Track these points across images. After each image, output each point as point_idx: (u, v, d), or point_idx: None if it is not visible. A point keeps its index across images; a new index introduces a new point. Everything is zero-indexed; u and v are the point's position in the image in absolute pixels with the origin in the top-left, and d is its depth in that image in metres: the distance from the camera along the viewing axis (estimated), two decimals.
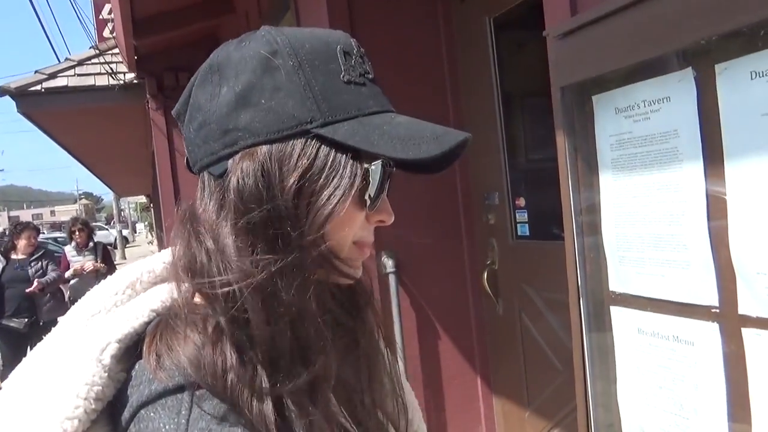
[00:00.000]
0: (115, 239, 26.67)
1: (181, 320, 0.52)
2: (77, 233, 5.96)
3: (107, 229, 33.06)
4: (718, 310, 0.98)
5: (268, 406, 0.49)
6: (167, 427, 0.47)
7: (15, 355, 4.93)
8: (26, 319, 5.10)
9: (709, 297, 0.99)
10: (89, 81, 5.34)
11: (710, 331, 1.00)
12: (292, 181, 0.52)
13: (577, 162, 1.20)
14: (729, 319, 0.96)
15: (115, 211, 28.71)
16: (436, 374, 2.57)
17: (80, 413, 0.49)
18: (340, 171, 0.53)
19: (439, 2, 2.57)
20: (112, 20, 5.25)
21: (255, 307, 0.50)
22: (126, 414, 0.49)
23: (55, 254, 6.37)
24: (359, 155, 0.53)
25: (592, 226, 1.21)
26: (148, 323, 0.54)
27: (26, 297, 5.11)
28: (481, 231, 2.58)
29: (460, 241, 2.63)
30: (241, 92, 0.53)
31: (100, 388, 0.50)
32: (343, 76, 0.54)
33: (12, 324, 5.02)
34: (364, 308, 0.66)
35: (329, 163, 0.53)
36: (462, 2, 2.52)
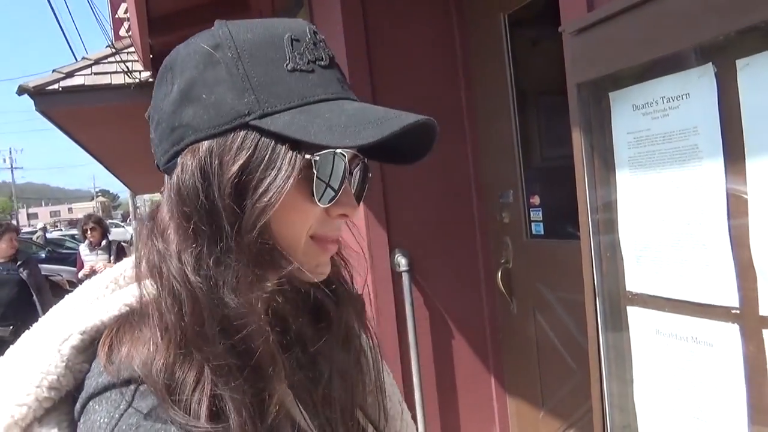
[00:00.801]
0: (131, 236, 26.95)
1: (138, 317, 0.52)
2: (90, 231, 5.77)
3: (123, 227, 33.41)
4: (738, 311, 0.96)
5: (202, 410, 0.47)
6: (102, 420, 0.47)
7: None
8: (11, 326, 4.59)
9: (729, 298, 0.97)
10: (105, 79, 5.39)
11: (730, 333, 0.98)
12: (230, 175, 0.51)
13: (594, 160, 1.18)
14: (749, 320, 0.94)
15: (131, 209, 29.02)
16: (450, 373, 2.56)
17: (31, 400, 0.49)
18: (278, 163, 0.51)
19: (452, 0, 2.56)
20: (128, 19, 5.30)
21: (193, 310, 0.49)
22: (78, 405, 0.50)
23: (66, 252, 6.37)
24: (301, 146, 0.51)
25: (608, 225, 1.19)
26: (118, 317, 0.53)
27: (10, 303, 4.69)
28: (495, 229, 2.57)
29: (474, 239, 2.61)
30: (184, 88, 0.53)
31: (55, 377, 0.50)
32: (287, 65, 0.52)
33: None
34: (339, 310, 0.63)
35: (268, 156, 0.51)
36: None
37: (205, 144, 0.52)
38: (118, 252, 5.77)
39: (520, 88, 2.39)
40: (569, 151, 2.31)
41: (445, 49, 2.56)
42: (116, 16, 6.96)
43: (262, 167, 0.51)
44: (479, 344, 2.61)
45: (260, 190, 0.51)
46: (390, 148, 0.56)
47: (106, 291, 0.57)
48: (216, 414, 0.48)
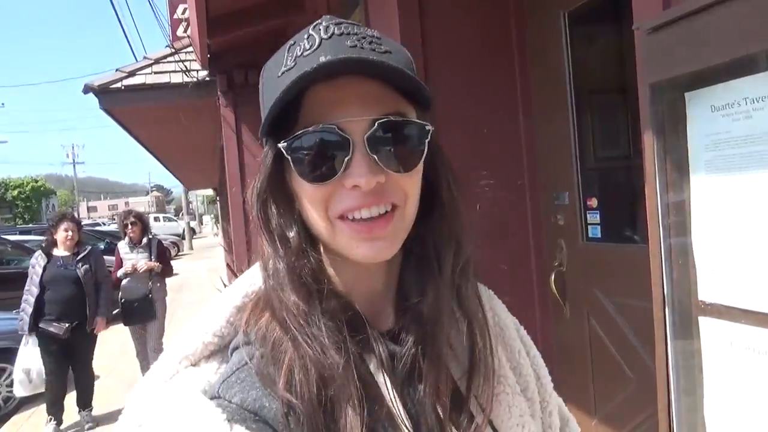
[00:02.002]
0: (184, 230, 27.86)
1: (269, 299, 0.61)
2: (130, 227, 5.28)
3: (176, 221, 34.57)
4: None
5: (280, 371, 0.56)
6: (227, 369, 0.59)
7: (57, 364, 4.54)
8: (67, 325, 4.48)
9: None
10: (165, 78, 5.59)
11: None
12: (257, 180, 0.63)
13: (666, 163, 1.14)
14: None
15: (183, 204, 30.01)
16: None
17: (199, 341, 0.62)
18: (265, 157, 0.60)
19: None
20: (186, 20, 5.47)
21: (267, 295, 0.60)
22: (229, 353, 0.62)
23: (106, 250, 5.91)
24: (276, 136, 0.58)
25: (680, 231, 1.14)
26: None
27: (67, 301, 4.53)
28: (549, 231, 2.51)
29: (527, 241, 2.56)
30: None
31: (218, 327, 0.63)
32: (279, 72, 0.57)
33: (51, 329, 4.44)
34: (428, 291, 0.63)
35: (264, 154, 0.61)
36: None
37: None
38: (160, 251, 5.36)
39: (578, 87, 2.33)
40: (629, 153, 2.25)
41: (502, 47, 2.52)
42: (174, 16, 7.20)
43: (261, 166, 0.61)
44: None
45: (258, 183, 0.61)
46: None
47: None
48: (288, 383, 0.55)
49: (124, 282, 5.15)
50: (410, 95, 0.59)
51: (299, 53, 0.56)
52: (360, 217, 0.57)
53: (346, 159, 0.55)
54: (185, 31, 5.71)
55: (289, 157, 0.57)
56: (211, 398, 0.56)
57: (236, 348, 0.60)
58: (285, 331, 0.57)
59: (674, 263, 1.15)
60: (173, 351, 0.63)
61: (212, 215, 43.18)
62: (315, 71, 0.53)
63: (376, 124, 0.55)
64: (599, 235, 2.32)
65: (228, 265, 6.49)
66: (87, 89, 5.49)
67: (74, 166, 61.25)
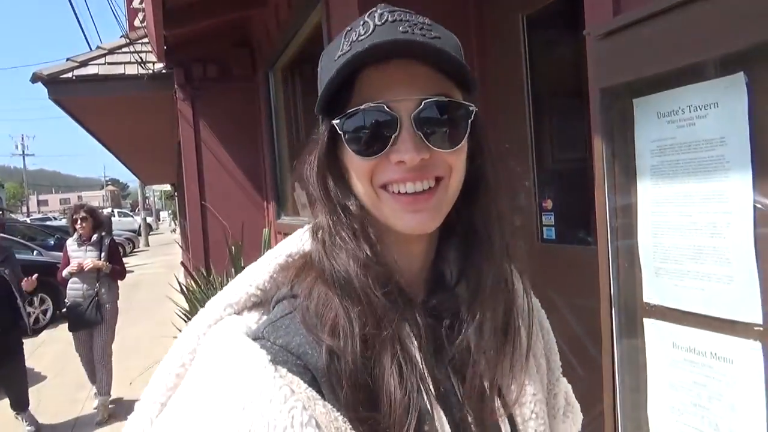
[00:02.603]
0: (140, 226, 27.08)
1: (312, 261, 0.65)
2: (79, 222, 4.79)
3: (132, 216, 33.60)
4: (761, 328, 0.93)
5: (326, 322, 0.60)
6: (272, 315, 0.63)
7: None
8: None
9: (752, 314, 0.94)
10: (119, 69, 5.41)
11: (751, 350, 0.95)
12: (314, 156, 0.67)
13: (615, 167, 1.16)
14: None
15: (140, 199, 29.18)
16: None
17: (243, 292, 0.67)
18: (320, 134, 0.65)
19: None
20: (143, 10, 5.31)
21: (320, 259, 0.64)
22: (272, 305, 0.65)
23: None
24: (329, 116, 0.63)
25: (627, 235, 1.16)
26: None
27: None
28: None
29: None
30: None
31: (261, 281, 0.67)
32: (335, 56, 0.61)
33: None
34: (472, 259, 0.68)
35: (319, 132, 0.65)
36: None
37: None
38: (111, 250, 4.91)
39: (536, 90, 2.36)
40: (584, 155, 2.30)
41: (463, 47, 2.53)
42: (132, 6, 6.98)
43: (318, 143, 0.65)
44: None
45: (316, 158, 0.65)
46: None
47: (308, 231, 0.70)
48: (332, 334, 0.59)
49: (69, 282, 4.74)
50: (456, 78, 0.63)
51: (354, 38, 0.60)
52: (405, 191, 0.61)
53: (393, 135, 0.60)
54: (142, 22, 5.54)
55: (341, 133, 0.61)
56: (255, 339, 0.60)
57: (280, 300, 0.64)
58: (333, 290, 0.61)
59: (621, 265, 1.17)
60: (219, 299, 0.67)
61: (170, 211, 42.20)
62: (366, 51, 0.57)
63: (422, 104, 0.60)
64: (554, 237, 2.36)
65: (183, 264, 6.18)
66: (35, 78, 5.25)
67: (23, 157, 58.76)
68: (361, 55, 0.58)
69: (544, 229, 2.38)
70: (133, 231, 25.80)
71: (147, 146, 9.83)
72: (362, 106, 0.60)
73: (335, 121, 0.62)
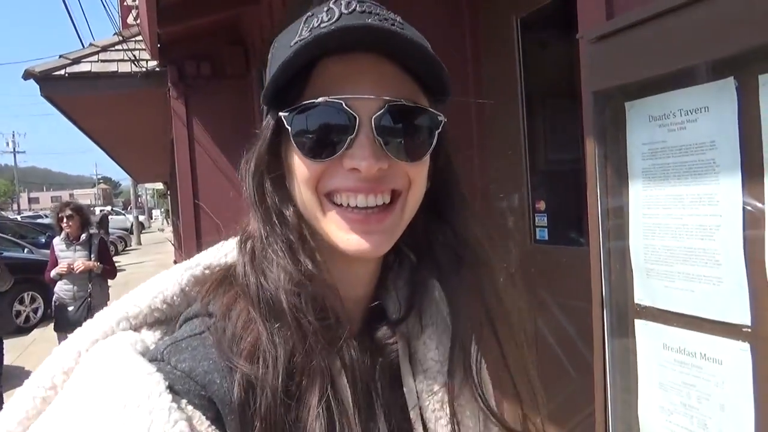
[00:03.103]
0: (132, 224, 26.93)
1: (235, 275, 0.58)
2: (66, 221, 4.57)
3: (124, 215, 33.41)
4: (749, 330, 0.95)
5: (244, 345, 0.52)
6: (177, 335, 0.54)
7: None
8: None
9: (741, 315, 0.96)
10: (112, 67, 5.38)
11: (740, 351, 0.96)
12: (256, 152, 0.58)
13: (607, 170, 1.17)
14: (761, 339, 0.93)
15: (132, 197, 29.02)
16: None
17: (145, 305, 0.57)
18: (265, 126, 0.57)
19: (464, 0, 2.54)
20: (137, 7, 5.28)
21: (244, 273, 0.56)
22: (179, 324, 0.57)
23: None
24: (276, 108, 0.55)
25: (619, 237, 1.17)
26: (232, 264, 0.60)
27: None
28: (499, 233, 2.55)
29: None
30: None
31: (170, 294, 0.58)
32: (291, 42, 0.54)
33: None
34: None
35: (263, 123, 0.57)
36: (489, 1, 2.48)
37: None
38: (101, 248, 4.72)
39: (529, 92, 2.38)
40: (577, 157, 2.31)
41: (456, 49, 2.54)
42: (125, 3, 6.94)
43: (260, 136, 0.58)
44: None
45: (255, 154, 0.57)
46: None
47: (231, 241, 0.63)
48: (255, 360, 0.51)
49: (58, 283, 4.56)
50: (426, 84, 0.56)
51: (316, 24, 0.53)
52: (355, 205, 0.53)
53: (349, 138, 0.52)
54: (136, 20, 5.52)
55: (288, 128, 0.53)
56: (151, 360, 0.50)
57: (190, 318, 0.56)
58: (257, 310, 0.53)
59: (612, 266, 1.18)
60: (112, 310, 0.57)
61: (162, 209, 42.03)
62: (331, 34, 0.50)
63: (387, 106, 0.52)
64: (546, 238, 2.37)
65: (176, 263, 6.19)
66: (27, 75, 5.22)
67: (14, 155, 58.33)
68: (325, 37, 0.50)
69: (537, 230, 2.40)
70: (126, 229, 25.66)
71: (140, 144, 9.79)
72: (318, 100, 0.52)
73: (283, 114, 0.53)
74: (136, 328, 0.56)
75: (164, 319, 0.58)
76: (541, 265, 2.36)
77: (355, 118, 0.51)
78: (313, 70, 0.53)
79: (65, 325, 4.48)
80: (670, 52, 1.01)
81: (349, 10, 0.53)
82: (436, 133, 0.56)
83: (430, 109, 0.56)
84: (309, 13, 0.55)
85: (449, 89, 0.57)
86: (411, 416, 0.60)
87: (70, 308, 4.50)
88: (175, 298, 0.58)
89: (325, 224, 0.55)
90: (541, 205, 2.39)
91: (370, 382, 0.57)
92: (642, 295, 1.14)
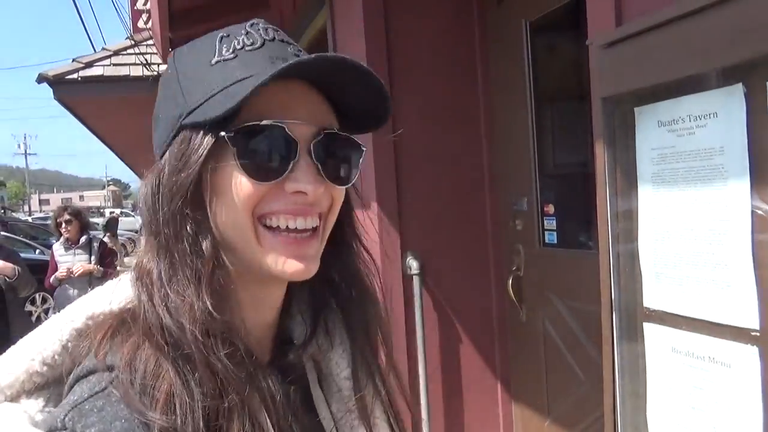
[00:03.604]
0: (140, 227, 27.04)
1: (132, 316, 0.53)
2: (65, 225, 4.51)
3: (133, 216, 33.61)
4: (758, 333, 0.95)
5: (159, 403, 0.48)
6: (74, 397, 0.48)
7: None
8: None
9: (750, 319, 0.96)
10: (124, 71, 5.45)
11: (749, 354, 0.97)
12: (165, 173, 0.53)
13: (616, 174, 1.18)
14: None
15: None
16: (456, 377, 2.56)
17: (21, 371, 0.51)
18: (193, 146, 0.52)
19: (475, 4, 2.55)
20: (147, 11, 5.34)
21: (144, 315, 0.51)
22: (67, 386, 0.51)
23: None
24: (215, 127, 0.52)
25: (628, 240, 1.18)
26: (121, 311, 0.54)
27: None
28: (508, 236, 2.56)
29: (486, 246, 2.61)
30: (154, 114, 0.58)
31: (50, 354, 0.52)
32: (211, 60, 0.54)
33: None
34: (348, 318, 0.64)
35: (186, 145, 0.52)
36: (499, 4, 2.50)
37: (161, 158, 0.55)
38: (102, 252, 4.61)
39: (538, 95, 2.39)
40: (586, 161, 2.32)
41: (466, 52, 2.56)
42: (135, 7, 7.01)
43: (182, 158, 0.52)
44: (487, 350, 2.61)
45: (173, 180, 0.52)
46: (354, 114, 0.57)
47: (121, 285, 0.57)
48: (166, 410, 0.48)
49: (58, 289, 4.47)
50: (346, 115, 0.58)
51: (239, 46, 0.54)
52: (294, 227, 0.54)
53: (292, 162, 0.53)
54: (146, 23, 5.58)
55: (233, 149, 0.51)
56: (51, 431, 0.46)
57: (85, 375, 0.49)
58: (164, 354, 0.49)
59: (622, 270, 1.19)
60: None
61: None
62: (312, 62, 0.50)
63: (323, 133, 0.54)
64: (555, 241, 2.38)
65: None
66: (41, 79, 5.29)
67: (26, 157, 58.93)
68: (297, 67, 0.50)
69: (546, 233, 2.41)
70: (135, 231, 25.82)
71: (150, 146, 9.85)
72: (264, 122, 0.51)
73: (225, 134, 0.51)
74: (13, 399, 0.51)
75: (45, 383, 0.52)
76: (550, 268, 2.37)
77: (296, 142, 0.53)
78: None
79: None
80: (679, 59, 1.02)
81: (270, 37, 0.55)
82: (360, 161, 0.59)
83: (357, 141, 0.58)
84: (223, 33, 0.56)
85: (380, 124, 0.59)
86: None
87: None
88: (56, 357, 0.52)
89: (256, 249, 0.54)
90: (550, 209, 2.40)
91: (287, 411, 0.55)
92: (651, 299, 1.15)
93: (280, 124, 0.52)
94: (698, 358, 1.06)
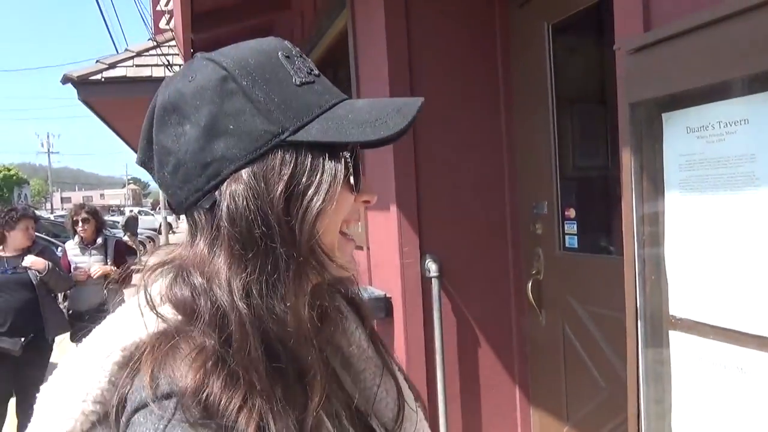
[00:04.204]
0: (160, 225, 27.43)
1: (179, 336, 0.53)
2: (81, 224, 4.30)
3: (153, 215, 34.04)
4: None
5: (246, 426, 0.48)
6: (146, 429, 0.48)
7: (5, 386, 3.67)
8: (22, 339, 3.60)
9: None
10: (146, 72, 5.53)
11: None
12: (279, 190, 0.53)
13: (642, 180, 1.17)
14: None
15: (161, 197, 29.60)
16: (474, 381, 2.55)
17: (78, 414, 0.52)
18: (321, 168, 0.55)
19: (497, 5, 2.54)
20: (168, 12, 5.41)
21: (241, 335, 0.51)
22: (123, 419, 0.51)
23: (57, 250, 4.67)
24: (334, 148, 0.56)
25: (654, 247, 1.17)
26: (158, 334, 0.54)
27: (20, 310, 3.65)
28: (528, 240, 2.55)
29: (506, 249, 2.60)
30: (207, 125, 0.55)
31: (99, 391, 0.53)
32: (294, 80, 0.56)
33: (4, 345, 3.56)
34: (360, 313, 0.70)
35: (309, 164, 0.54)
36: (520, 7, 2.48)
37: (247, 170, 0.54)
38: (118, 252, 4.40)
39: (560, 97, 2.37)
40: (607, 164, 2.30)
41: (487, 54, 2.55)
42: (157, 8, 7.11)
43: (306, 176, 0.54)
44: (506, 354, 2.60)
45: (312, 197, 0.54)
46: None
47: (145, 309, 0.56)
48: None
49: (72, 291, 4.26)
50: None
51: (307, 70, 0.58)
52: (350, 234, 0.61)
53: (360, 175, 0.60)
54: (167, 24, 5.65)
55: (351, 169, 0.58)
56: None
57: (142, 406, 0.49)
58: (248, 382, 0.50)
59: (647, 277, 1.18)
60: None
61: None
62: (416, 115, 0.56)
63: (356, 149, 0.60)
64: (576, 246, 2.36)
65: None
66: (66, 79, 5.39)
67: (49, 155, 59.99)
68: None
69: (566, 237, 2.39)
70: (154, 229, 26.16)
71: None
72: (370, 139, 0.56)
73: (348, 155, 0.57)
74: None
75: (98, 420, 0.53)
76: (570, 272, 2.35)
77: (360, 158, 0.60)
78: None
79: (82, 334, 4.19)
80: (709, 65, 1.00)
81: (317, 72, 0.60)
82: None
83: None
84: (282, 53, 0.58)
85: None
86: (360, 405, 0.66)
87: (87, 317, 4.08)
88: (105, 393, 0.53)
89: (337, 253, 0.58)
90: (571, 213, 2.38)
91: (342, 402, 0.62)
92: (677, 307, 1.14)
93: (361, 143, 0.58)
94: (726, 368, 1.04)
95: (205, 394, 0.49)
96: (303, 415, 0.52)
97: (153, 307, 0.55)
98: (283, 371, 0.52)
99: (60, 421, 0.52)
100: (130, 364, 0.53)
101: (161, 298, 0.56)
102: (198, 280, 0.54)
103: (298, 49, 0.61)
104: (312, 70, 0.59)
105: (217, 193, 0.55)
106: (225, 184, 0.54)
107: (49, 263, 3.80)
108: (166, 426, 0.48)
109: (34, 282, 3.73)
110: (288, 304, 0.53)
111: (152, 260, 0.60)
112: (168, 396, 0.49)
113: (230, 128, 0.54)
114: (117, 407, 0.52)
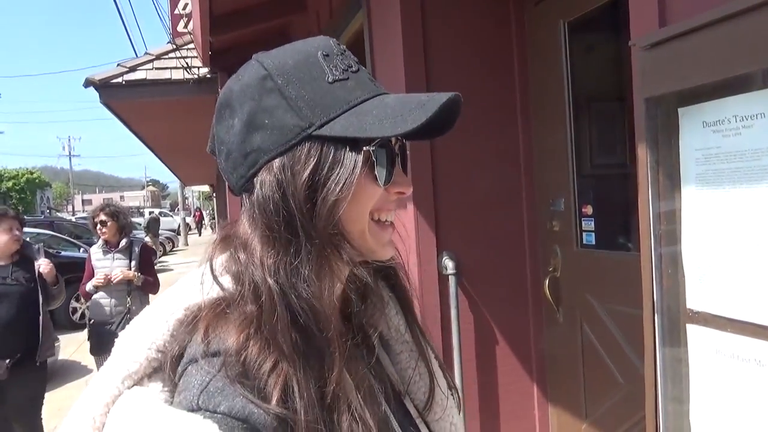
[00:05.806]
0: (179, 226, 27.77)
1: (228, 305, 0.60)
2: (100, 226, 3.99)
3: (171, 216, 34.45)
4: None
5: (275, 393, 0.54)
6: (195, 381, 0.55)
7: None
8: (7, 360, 3.15)
9: None
10: (165, 74, 5.61)
11: None
12: (302, 180, 0.59)
13: (659, 175, 1.17)
14: None
15: (179, 199, 29.93)
16: (492, 378, 2.56)
17: (143, 358, 0.59)
18: (342, 160, 0.59)
19: (511, 4, 2.55)
20: (186, 15, 5.48)
21: (270, 307, 0.57)
22: (179, 368, 0.58)
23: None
24: (358, 142, 0.60)
25: (671, 242, 1.18)
26: (215, 301, 0.61)
27: (8, 324, 3.20)
28: (545, 237, 2.55)
29: (523, 246, 2.60)
30: (247, 119, 0.61)
31: (161, 342, 0.60)
32: (327, 78, 0.61)
33: None
34: (398, 294, 0.75)
35: (331, 157, 0.59)
36: (536, 5, 2.49)
37: (277, 161, 0.60)
38: (144, 257, 4.11)
39: (576, 95, 2.37)
40: (624, 161, 2.29)
41: (503, 52, 2.55)
42: (175, 11, 7.21)
43: (328, 167, 0.59)
44: (523, 352, 2.60)
45: (331, 187, 0.59)
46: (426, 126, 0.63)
47: (207, 277, 0.63)
48: (283, 398, 0.54)
49: (94, 297, 3.96)
50: None
51: (344, 68, 0.62)
52: (389, 221, 0.65)
53: (396, 168, 0.63)
54: (186, 27, 5.73)
55: (374, 160, 0.61)
56: (190, 412, 0.53)
57: (194, 360, 0.56)
58: (278, 346, 0.56)
59: (664, 272, 1.18)
60: (111, 370, 0.60)
61: (208, 210, 43.13)
62: (441, 109, 0.59)
63: (402, 141, 0.65)
64: (593, 242, 2.36)
65: None
66: (88, 83, 5.50)
67: (70, 158, 61.03)
68: (447, 103, 0.60)
69: (584, 234, 2.39)
70: (173, 230, 26.50)
71: (189, 148, 10.11)
72: (386, 135, 0.59)
73: (370, 147, 0.60)
74: (139, 383, 0.59)
75: (159, 366, 0.60)
76: (588, 269, 2.35)
77: (396, 151, 0.63)
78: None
79: (103, 345, 3.83)
80: (725, 60, 1.01)
81: (354, 59, 0.64)
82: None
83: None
84: (322, 51, 0.62)
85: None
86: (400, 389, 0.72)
87: (108, 327, 3.90)
88: (166, 344, 0.60)
89: (368, 240, 0.63)
90: (588, 210, 2.38)
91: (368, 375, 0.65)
92: (695, 301, 1.14)
93: (392, 136, 0.60)
94: (743, 361, 1.05)
95: (244, 355, 0.55)
96: (324, 386, 0.57)
97: (214, 277, 0.61)
98: (309, 344, 0.58)
99: (128, 362, 0.59)
100: (189, 322, 0.59)
101: (223, 268, 0.63)
102: (242, 255, 0.61)
103: (342, 46, 0.64)
104: (350, 66, 0.62)
105: (255, 180, 0.61)
106: (260, 172, 0.61)
107: (62, 279, 3.59)
108: (212, 379, 0.54)
109: (42, 296, 3.37)
110: (310, 286, 0.58)
111: (217, 235, 0.68)
112: (216, 354, 0.56)
113: (266, 122, 0.60)
114: (175, 357, 0.58)
